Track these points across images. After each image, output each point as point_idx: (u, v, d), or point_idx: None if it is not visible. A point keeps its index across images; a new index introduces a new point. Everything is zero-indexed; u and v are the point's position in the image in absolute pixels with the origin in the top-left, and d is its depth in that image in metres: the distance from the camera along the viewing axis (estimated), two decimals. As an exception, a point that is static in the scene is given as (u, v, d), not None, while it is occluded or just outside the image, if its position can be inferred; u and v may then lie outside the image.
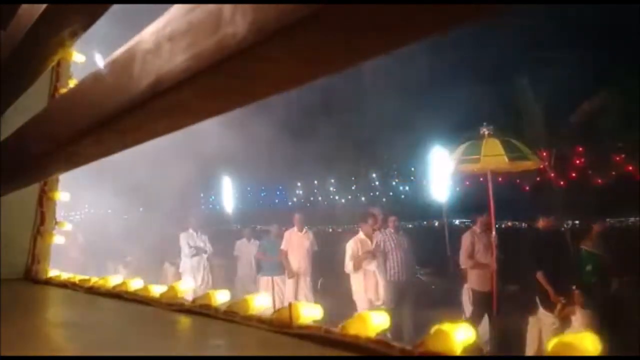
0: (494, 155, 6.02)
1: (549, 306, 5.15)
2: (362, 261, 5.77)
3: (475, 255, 5.87)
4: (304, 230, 7.68)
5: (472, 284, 5.90)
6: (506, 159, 5.96)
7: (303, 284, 7.39)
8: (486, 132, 6.27)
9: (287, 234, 7.61)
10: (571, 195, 11.17)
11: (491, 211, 6.14)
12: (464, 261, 5.97)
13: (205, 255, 8.12)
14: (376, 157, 16.09)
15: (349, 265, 5.84)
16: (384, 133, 15.38)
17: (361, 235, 6.00)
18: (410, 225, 13.68)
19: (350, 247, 5.87)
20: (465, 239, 6.01)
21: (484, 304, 5.73)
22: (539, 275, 5.19)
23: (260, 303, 1.32)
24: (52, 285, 2.17)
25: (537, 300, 5.26)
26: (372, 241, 5.96)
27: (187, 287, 1.66)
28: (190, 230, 8.25)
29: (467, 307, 5.99)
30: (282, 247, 7.54)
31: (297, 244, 7.48)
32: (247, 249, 8.65)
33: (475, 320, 5.50)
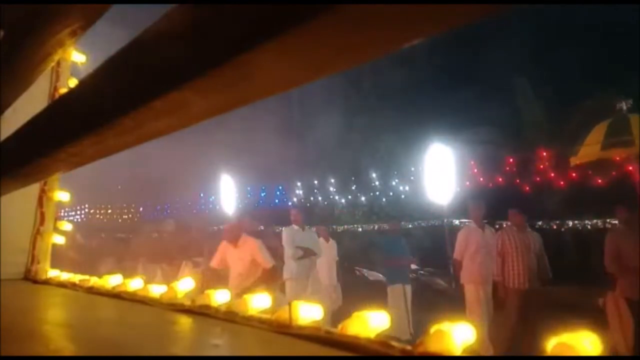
0: None
1: None
2: None
3: (623, 257, 4.73)
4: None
5: (623, 291, 4.73)
6: None
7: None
8: (624, 107, 4.96)
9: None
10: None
11: None
12: (608, 265, 4.90)
13: (315, 258, 6.42)
14: (376, 157, 16.10)
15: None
16: (384, 133, 15.40)
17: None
18: (410, 226, 13.67)
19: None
20: (610, 239, 4.98)
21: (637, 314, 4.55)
22: None
23: (260, 303, 1.32)
24: (52, 285, 2.17)
25: None
26: None
27: (187, 288, 1.66)
28: (295, 227, 6.48)
29: (614, 318, 4.86)
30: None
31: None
32: (326, 251, 6.91)
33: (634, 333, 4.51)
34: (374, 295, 6.86)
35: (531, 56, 14.40)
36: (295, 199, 18.32)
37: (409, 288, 6.21)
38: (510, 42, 13.60)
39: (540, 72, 13.45)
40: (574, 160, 5.54)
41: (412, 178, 14.78)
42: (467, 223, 6.08)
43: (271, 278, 4.75)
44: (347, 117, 14.50)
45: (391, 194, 15.93)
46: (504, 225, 5.77)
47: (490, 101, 13.38)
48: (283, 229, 6.62)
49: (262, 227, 8.44)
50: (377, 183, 16.53)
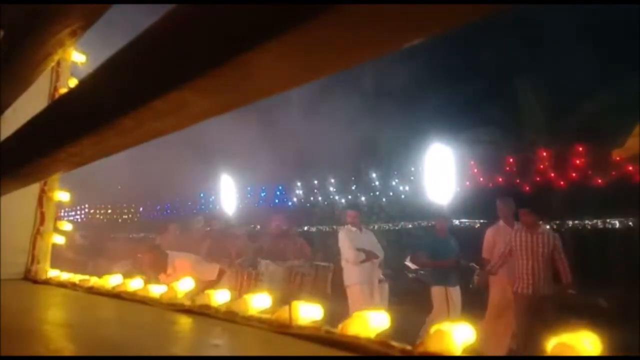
0: None
1: None
2: None
3: None
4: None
5: None
6: None
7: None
8: None
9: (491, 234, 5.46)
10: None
11: None
12: None
13: (377, 262, 5.77)
14: (376, 157, 16.12)
15: None
16: (384, 133, 15.41)
17: None
18: (410, 226, 13.69)
19: None
20: None
21: None
22: None
23: (260, 303, 1.32)
24: (52, 285, 2.17)
25: None
26: None
27: (186, 288, 1.66)
28: (352, 228, 5.90)
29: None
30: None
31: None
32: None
33: None
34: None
35: (531, 55, 14.42)
36: (295, 199, 18.33)
37: (454, 291, 5.68)
38: (510, 42, 13.62)
39: (541, 71, 13.46)
40: (620, 154, 5.09)
41: (412, 178, 14.78)
42: (498, 222, 5.63)
43: (217, 282, 4.43)
44: (346, 117, 14.51)
45: (391, 194, 15.92)
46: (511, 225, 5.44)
47: (490, 101, 13.39)
48: (339, 230, 6.12)
49: (285, 227, 7.92)
50: (377, 183, 16.52)
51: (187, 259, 4.34)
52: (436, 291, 5.70)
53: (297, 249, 6.99)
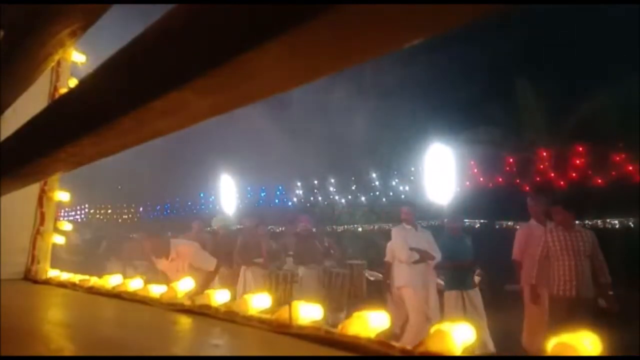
0: None
1: None
2: None
3: None
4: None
5: None
6: None
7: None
8: None
9: None
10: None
11: None
12: None
13: (432, 263, 5.46)
14: (376, 157, 16.12)
15: None
16: (384, 133, 15.41)
17: None
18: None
19: None
20: None
21: None
22: None
23: (260, 303, 1.32)
24: (52, 285, 2.17)
25: None
26: None
27: (187, 288, 1.66)
28: (407, 226, 5.57)
29: None
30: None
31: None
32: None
33: None
34: (376, 296, 6.60)
35: (531, 55, 14.41)
36: (295, 199, 18.32)
37: (472, 294, 5.40)
38: (510, 42, 13.61)
39: (541, 71, 13.45)
40: None
41: (412, 178, 14.78)
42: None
43: (213, 277, 4.44)
44: (346, 117, 14.52)
45: (391, 194, 15.92)
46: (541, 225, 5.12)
47: (490, 101, 13.38)
48: (392, 228, 5.79)
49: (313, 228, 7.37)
50: (377, 183, 16.52)
51: (190, 248, 4.34)
52: (451, 296, 5.38)
53: (327, 250, 6.74)
